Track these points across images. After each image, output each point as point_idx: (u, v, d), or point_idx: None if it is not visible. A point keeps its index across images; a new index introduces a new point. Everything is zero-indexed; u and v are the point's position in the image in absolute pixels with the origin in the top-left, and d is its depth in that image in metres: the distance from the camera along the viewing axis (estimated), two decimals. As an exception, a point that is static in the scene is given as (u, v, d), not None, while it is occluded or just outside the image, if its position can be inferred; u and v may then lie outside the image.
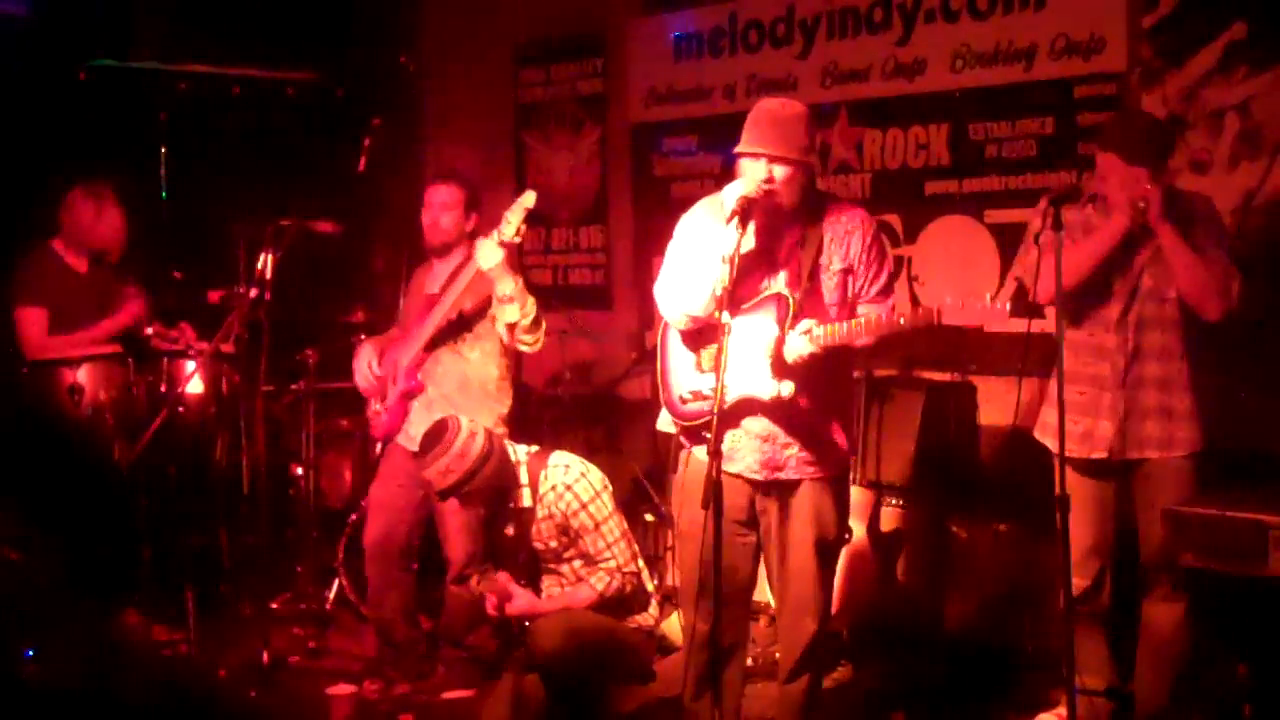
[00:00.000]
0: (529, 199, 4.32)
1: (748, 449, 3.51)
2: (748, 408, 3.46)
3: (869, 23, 5.55)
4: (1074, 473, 3.97)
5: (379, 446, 4.97)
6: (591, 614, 4.06)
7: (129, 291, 5.40)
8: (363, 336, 6.00)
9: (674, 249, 3.61)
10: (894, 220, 5.50)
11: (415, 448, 4.67)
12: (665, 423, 3.69)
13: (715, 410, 3.18)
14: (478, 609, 4.40)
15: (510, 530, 4.16)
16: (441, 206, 4.68)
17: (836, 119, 5.66)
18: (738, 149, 3.46)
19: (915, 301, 5.42)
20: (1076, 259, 3.85)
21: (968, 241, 5.26)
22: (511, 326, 4.46)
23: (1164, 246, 3.81)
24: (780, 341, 3.36)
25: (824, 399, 3.52)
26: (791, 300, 3.40)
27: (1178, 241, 3.79)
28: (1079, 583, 3.98)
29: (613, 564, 4.07)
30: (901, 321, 3.33)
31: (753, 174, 3.40)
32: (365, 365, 4.78)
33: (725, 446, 3.44)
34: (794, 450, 3.51)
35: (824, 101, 5.64)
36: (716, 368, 3.17)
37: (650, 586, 4.30)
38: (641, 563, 4.27)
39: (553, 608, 4.10)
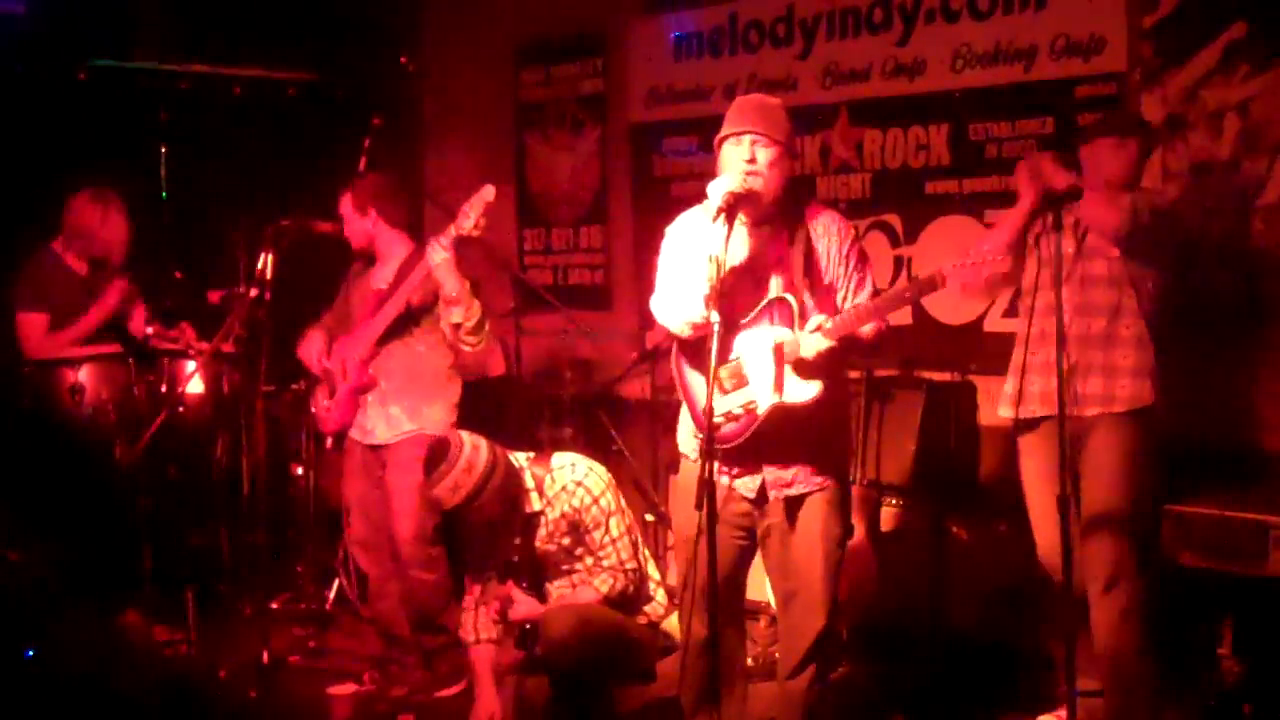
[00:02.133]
0: (488, 193, 4.32)
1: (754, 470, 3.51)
2: (778, 421, 3.42)
3: (869, 23, 5.55)
4: (1037, 437, 3.99)
5: (330, 440, 4.98)
6: (602, 608, 4.06)
7: (115, 280, 5.38)
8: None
9: (664, 261, 3.59)
10: (894, 220, 5.50)
11: (370, 441, 4.75)
12: (687, 445, 3.67)
13: (708, 411, 3.17)
14: (444, 590, 4.39)
15: (516, 538, 4.15)
16: (344, 219, 4.82)
17: (836, 119, 5.66)
18: (720, 135, 3.45)
19: (914, 303, 5.42)
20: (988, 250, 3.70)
21: (968, 241, 5.23)
22: (456, 327, 4.50)
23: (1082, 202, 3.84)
24: (797, 344, 3.34)
25: (825, 407, 3.49)
26: (794, 301, 3.39)
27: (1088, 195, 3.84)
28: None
29: (613, 560, 4.07)
30: (907, 295, 3.32)
31: (736, 158, 3.38)
32: (315, 355, 4.84)
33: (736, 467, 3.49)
34: (797, 469, 3.50)
35: (824, 101, 5.65)
36: (709, 367, 3.16)
37: (656, 576, 4.30)
38: (646, 553, 4.27)
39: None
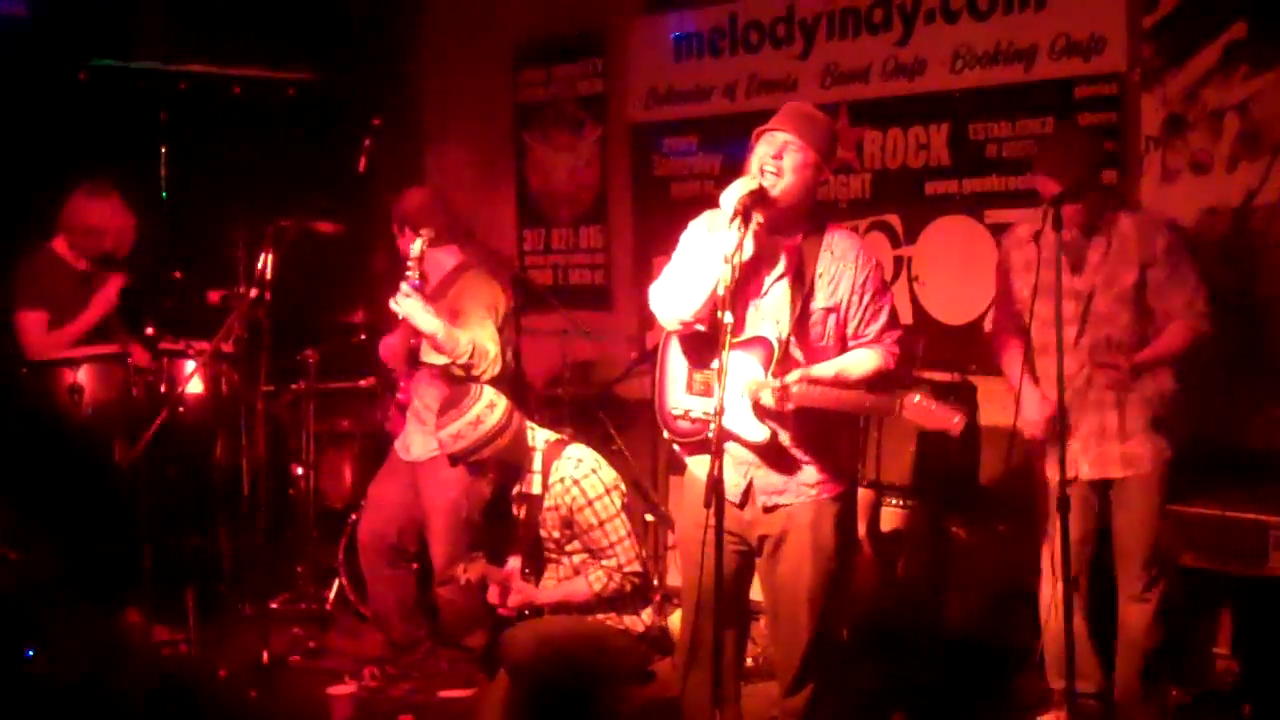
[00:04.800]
0: (415, 247, 4.39)
1: (738, 474, 3.48)
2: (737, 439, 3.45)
3: (869, 23, 5.55)
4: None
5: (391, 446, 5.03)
6: (564, 620, 4.06)
7: (113, 275, 5.37)
8: (364, 336, 6.04)
9: (677, 253, 3.58)
10: (894, 220, 5.50)
11: (405, 457, 4.76)
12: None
13: (717, 409, 3.17)
14: (471, 611, 4.40)
15: (521, 515, 4.16)
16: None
17: (836, 119, 5.64)
18: (760, 128, 3.43)
19: (914, 303, 5.43)
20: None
21: (968, 241, 5.26)
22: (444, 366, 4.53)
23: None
24: (759, 389, 3.35)
25: (819, 428, 3.48)
26: (776, 345, 3.38)
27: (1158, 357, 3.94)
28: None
29: (614, 563, 4.06)
30: (865, 405, 3.38)
31: (763, 152, 3.37)
32: (390, 355, 4.89)
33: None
34: (786, 478, 3.48)
35: (824, 101, 5.62)
36: (719, 370, 3.16)
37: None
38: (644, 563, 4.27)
39: (550, 600, 4.10)
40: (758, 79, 5.88)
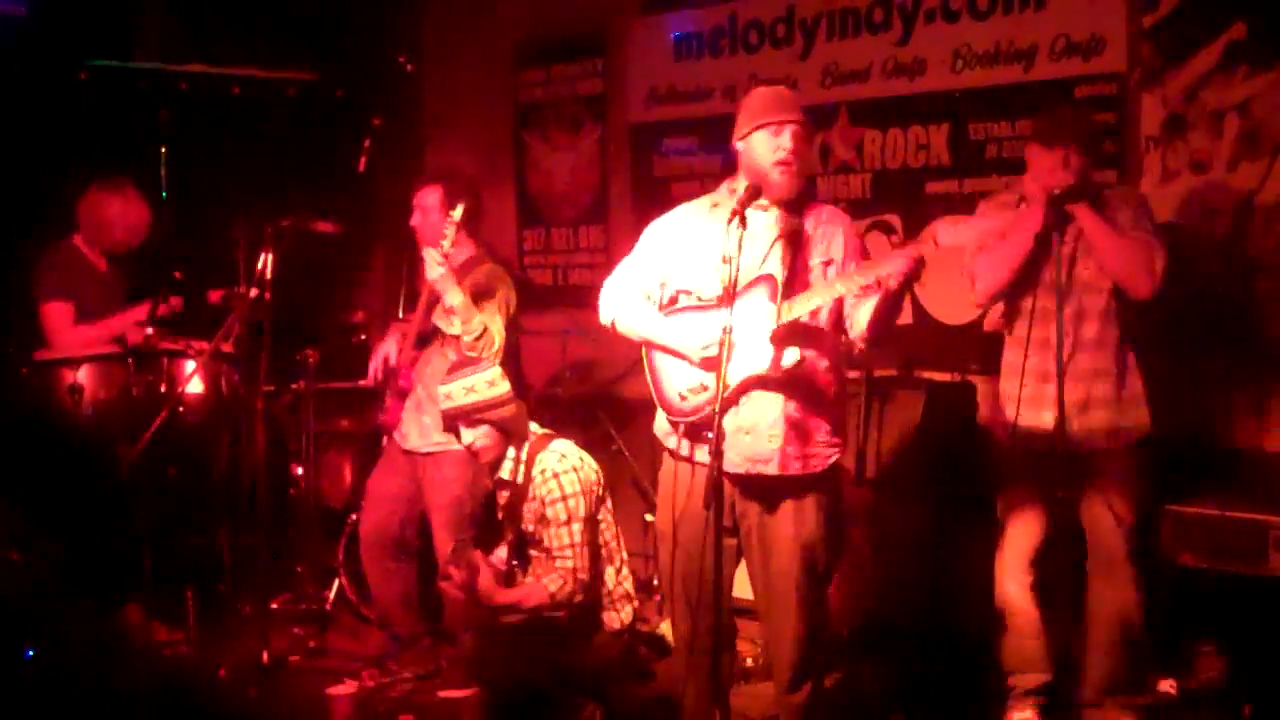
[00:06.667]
0: (456, 212, 4.41)
1: (730, 443, 3.45)
2: (745, 397, 3.44)
3: (869, 23, 5.55)
4: (1023, 461, 3.98)
5: (385, 439, 5.02)
6: (537, 621, 4.07)
7: (172, 299, 5.40)
8: (364, 336, 6.03)
9: (636, 252, 3.66)
10: (894, 220, 5.50)
11: (404, 446, 4.75)
12: (662, 427, 3.67)
13: (717, 410, 3.17)
14: (471, 604, 4.41)
15: (503, 504, 4.17)
16: (422, 210, 4.78)
17: (836, 119, 5.66)
18: (761, 120, 3.47)
19: (914, 303, 5.43)
20: (999, 258, 3.91)
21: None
22: (457, 337, 4.52)
23: (1084, 228, 3.84)
24: (778, 314, 3.35)
25: (814, 392, 3.51)
26: (779, 276, 3.41)
27: (1096, 221, 3.83)
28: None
29: (570, 564, 4.06)
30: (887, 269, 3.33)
31: (775, 147, 3.44)
32: (380, 359, 4.88)
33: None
34: (777, 444, 3.47)
35: (824, 101, 5.64)
36: (718, 366, 3.16)
37: (627, 586, 4.28)
38: (618, 569, 4.25)
39: (512, 599, 4.11)
40: (758, 79, 5.85)
